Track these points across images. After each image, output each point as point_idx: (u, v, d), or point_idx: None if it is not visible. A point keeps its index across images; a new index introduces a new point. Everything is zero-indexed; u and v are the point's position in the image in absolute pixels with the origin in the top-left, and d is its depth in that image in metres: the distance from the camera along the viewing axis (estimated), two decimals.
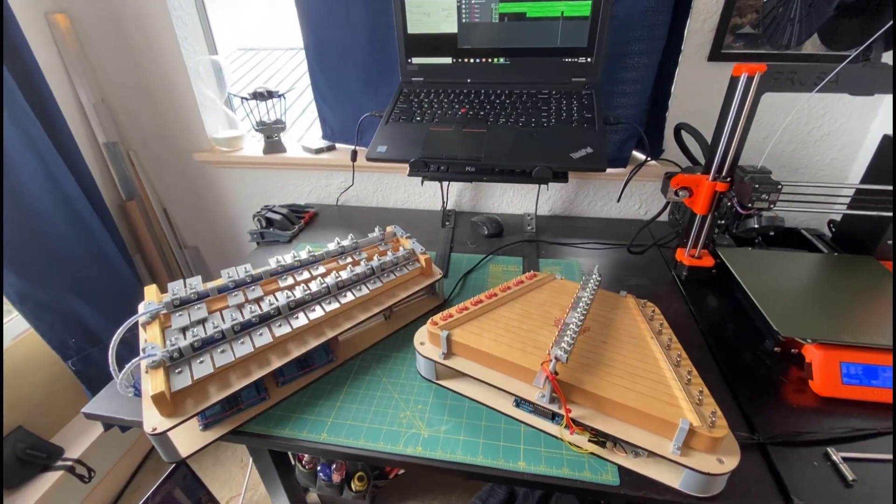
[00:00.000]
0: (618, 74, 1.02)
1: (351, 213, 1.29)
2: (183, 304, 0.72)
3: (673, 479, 0.54)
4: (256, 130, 1.27)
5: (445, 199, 1.21)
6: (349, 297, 0.76)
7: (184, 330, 0.66)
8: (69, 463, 1.23)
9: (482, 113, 0.84)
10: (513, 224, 1.17)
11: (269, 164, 1.32)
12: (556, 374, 0.56)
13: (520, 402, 0.64)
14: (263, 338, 0.67)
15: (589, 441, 0.59)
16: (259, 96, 1.23)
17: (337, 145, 1.33)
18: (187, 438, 0.63)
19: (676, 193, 0.85)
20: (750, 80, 0.72)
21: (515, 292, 0.76)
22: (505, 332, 0.67)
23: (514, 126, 0.81)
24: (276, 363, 0.65)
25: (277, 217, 1.16)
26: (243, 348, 0.65)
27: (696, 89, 1.04)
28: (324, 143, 1.30)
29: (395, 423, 0.64)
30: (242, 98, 1.23)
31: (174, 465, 1.20)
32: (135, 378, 0.65)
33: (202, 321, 0.69)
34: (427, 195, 1.31)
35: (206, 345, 0.65)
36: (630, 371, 0.59)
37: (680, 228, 0.94)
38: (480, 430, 0.63)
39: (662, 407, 0.54)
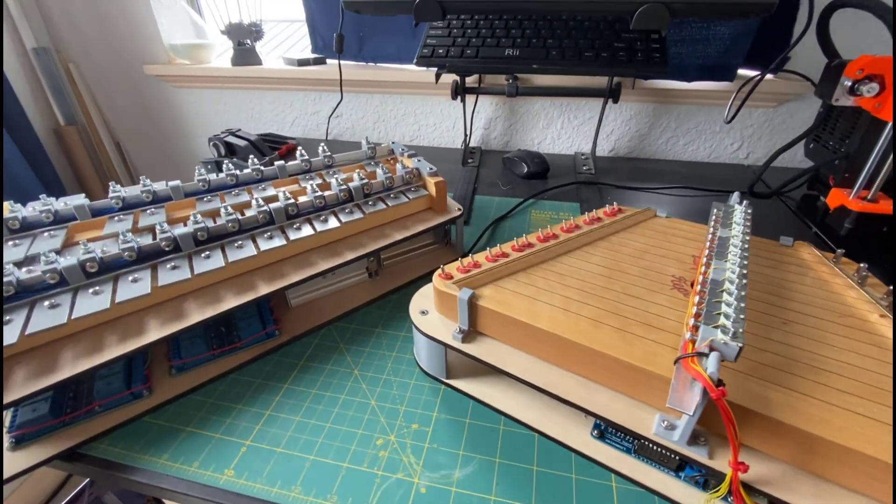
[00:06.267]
0: None
1: (344, 148, 0.98)
2: (27, 228, 0.43)
3: None
4: (222, 33, 0.96)
5: (469, 128, 0.88)
6: (306, 231, 0.45)
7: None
8: None
9: None
10: (560, 166, 0.85)
11: (240, 81, 1.01)
12: (723, 385, 0.24)
13: (606, 431, 0.33)
14: (138, 286, 0.37)
15: None
16: None
17: (329, 61, 1.02)
18: None
19: (854, 89, 0.52)
20: None
21: (590, 234, 0.44)
22: (582, 296, 0.35)
23: None
24: (156, 333, 0.36)
25: (242, 143, 0.86)
26: (94, 303, 0.35)
27: None
28: (310, 56, 0.99)
29: (365, 459, 0.33)
30: None
31: None
32: None
33: (46, 256, 0.40)
34: (444, 127, 0.99)
35: (27, 293, 0.35)
36: (869, 384, 0.27)
37: (836, 159, 0.60)
38: (531, 482, 0.32)
39: None
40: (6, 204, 0.44)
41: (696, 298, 0.31)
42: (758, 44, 0.77)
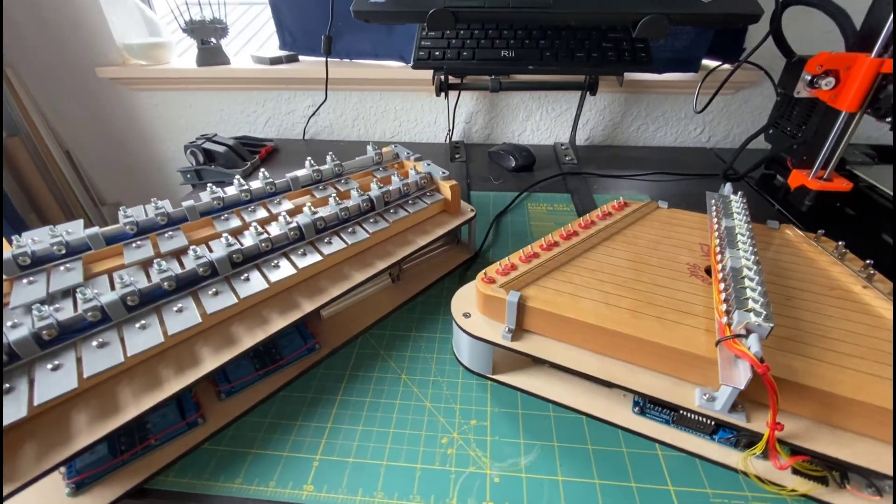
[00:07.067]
0: None
1: (323, 148, 0.96)
2: (38, 263, 0.40)
3: None
4: (184, 31, 0.91)
5: (452, 123, 0.90)
6: (337, 244, 0.46)
7: (33, 309, 0.35)
8: None
9: None
10: (543, 157, 0.88)
11: (207, 82, 0.96)
12: (765, 361, 0.29)
13: (645, 407, 0.38)
14: (184, 316, 0.37)
15: (797, 473, 0.33)
16: None
17: (301, 57, 0.99)
18: None
19: (813, 83, 0.59)
20: None
21: (606, 229, 0.48)
22: (617, 289, 0.39)
23: None
24: (212, 363, 0.36)
25: (221, 149, 0.83)
26: (145, 338, 0.35)
27: None
28: (282, 54, 0.96)
29: (436, 458, 0.36)
30: None
31: None
32: None
33: (71, 292, 0.38)
34: (426, 122, 1.00)
35: (69, 334, 0.34)
36: (867, 346, 0.33)
37: (795, 144, 0.68)
38: (589, 459, 0.36)
39: None
40: (8, 241, 0.41)
41: (722, 286, 0.35)
42: (717, 37, 0.83)
